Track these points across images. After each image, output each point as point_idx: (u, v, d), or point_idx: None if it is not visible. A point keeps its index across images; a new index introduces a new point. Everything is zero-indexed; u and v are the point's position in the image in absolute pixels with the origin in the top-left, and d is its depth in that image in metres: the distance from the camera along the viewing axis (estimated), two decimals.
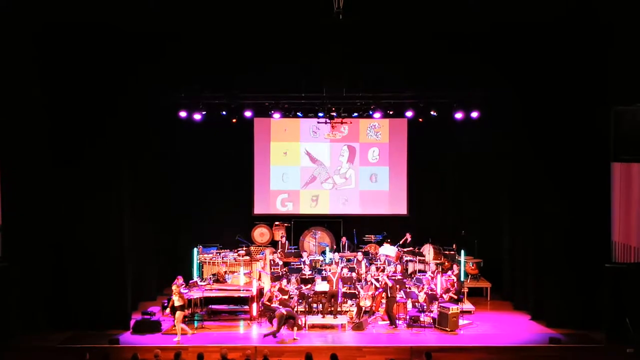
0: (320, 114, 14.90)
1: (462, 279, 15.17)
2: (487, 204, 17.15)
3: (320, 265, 15.85)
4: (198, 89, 14.94)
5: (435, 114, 15.26)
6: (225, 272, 15.93)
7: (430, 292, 14.15)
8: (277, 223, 17.81)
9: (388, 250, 16.38)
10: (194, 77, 14.94)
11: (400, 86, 15.11)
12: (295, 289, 14.44)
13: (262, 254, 16.47)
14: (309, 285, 14.53)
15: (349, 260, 15.90)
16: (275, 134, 18.02)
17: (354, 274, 14.86)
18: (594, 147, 13.32)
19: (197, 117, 15.28)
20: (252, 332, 13.55)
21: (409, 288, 14.47)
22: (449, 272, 14.80)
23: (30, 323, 13.42)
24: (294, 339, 12.82)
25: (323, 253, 16.83)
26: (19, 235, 13.33)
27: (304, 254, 16.11)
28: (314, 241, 17.58)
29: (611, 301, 12.95)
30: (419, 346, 12.32)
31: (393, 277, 14.13)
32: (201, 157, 17.49)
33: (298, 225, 17.99)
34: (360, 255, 15.75)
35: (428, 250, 16.35)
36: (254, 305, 14.00)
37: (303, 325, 13.43)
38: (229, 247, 16.91)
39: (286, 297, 13.85)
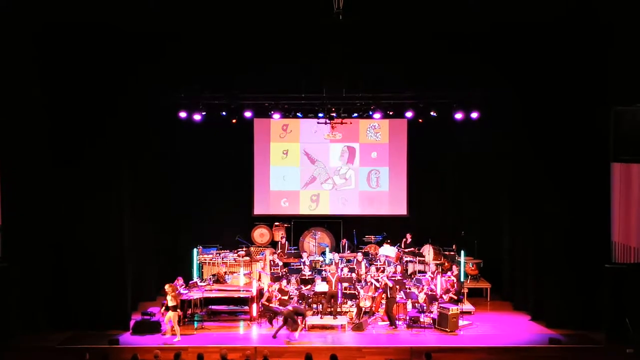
0: (320, 115, 14.89)
1: (461, 279, 15.17)
2: (487, 204, 17.14)
3: (320, 266, 15.84)
4: (198, 89, 14.93)
5: (435, 114, 15.26)
6: (225, 272, 15.94)
7: (430, 293, 14.14)
8: (277, 223, 17.81)
9: (388, 250, 16.38)
10: (194, 77, 14.95)
11: (400, 86, 15.11)
12: (295, 289, 14.44)
13: (262, 254, 16.48)
14: (309, 286, 14.53)
15: (349, 261, 15.90)
16: (275, 134, 18.03)
17: (353, 275, 14.85)
18: (594, 147, 13.32)
19: (197, 117, 15.27)
20: (252, 332, 13.55)
21: (409, 289, 14.46)
22: (449, 273, 14.80)
23: (30, 323, 13.41)
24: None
25: (323, 254, 16.82)
26: (19, 235, 13.33)
27: (304, 255, 16.10)
28: (313, 242, 17.57)
29: (611, 301, 12.94)
30: (418, 347, 12.31)
31: (393, 278, 14.13)
32: (201, 157, 17.48)
33: (298, 226, 17.99)
34: (360, 256, 15.74)
35: (428, 251, 16.35)
36: (254, 306, 13.99)
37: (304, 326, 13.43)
38: (229, 247, 16.91)
39: (286, 297, 13.86)
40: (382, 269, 15.26)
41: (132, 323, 13.59)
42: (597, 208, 13.53)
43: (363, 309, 14.04)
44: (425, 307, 13.87)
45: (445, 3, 13.07)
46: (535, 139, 14.12)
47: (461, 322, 13.60)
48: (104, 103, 13.43)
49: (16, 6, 12.60)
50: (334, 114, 14.85)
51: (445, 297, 14.07)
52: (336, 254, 16.26)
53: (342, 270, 15.02)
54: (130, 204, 14.21)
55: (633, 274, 12.87)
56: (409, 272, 16.03)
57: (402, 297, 14.11)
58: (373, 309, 14.20)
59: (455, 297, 14.06)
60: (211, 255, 16.37)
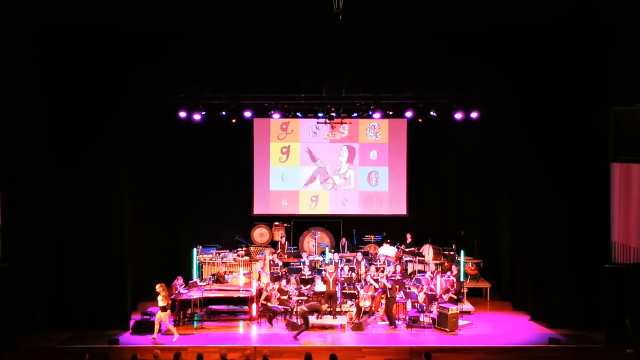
0: (320, 114, 14.88)
1: (461, 279, 15.17)
2: (487, 204, 17.13)
3: (320, 266, 15.85)
4: (198, 89, 14.92)
5: (435, 114, 15.24)
6: (225, 272, 15.93)
7: (429, 293, 14.14)
8: (276, 223, 17.81)
9: (387, 250, 16.38)
10: (194, 77, 14.96)
11: (400, 86, 15.09)
12: (295, 289, 14.45)
13: (262, 254, 16.47)
14: (309, 286, 14.53)
15: (348, 261, 15.91)
16: (275, 134, 18.03)
17: (353, 274, 14.85)
18: (594, 147, 13.32)
19: (197, 117, 15.26)
20: (252, 332, 13.55)
21: (409, 288, 14.46)
22: (448, 273, 14.80)
23: (30, 323, 13.42)
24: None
25: (323, 253, 16.82)
26: (19, 235, 13.34)
27: (304, 255, 16.11)
28: (313, 241, 17.58)
29: (611, 302, 12.94)
30: (418, 347, 12.31)
31: (392, 278, 14.13)
32: (201, 157, 17.48)
33: (298, 226, 17.99)
34: (359, 256, 15.75)
35: (427, 251, 16.35)
36: (254, 306, 13.99)
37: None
38: (229, 247, 16.91)
39: (285, 297, 13.86)
40: (381, 268, 15.26)
41: (132, 323, 13.60)
42: (597, 208, 13.53)
43: (363, 308, 14.04)
44: (424, 307, 13.87)
45: (445, 3, 13.07)
46: (535, 139, 14.12)
47: (461, 322, 13.61)
48: (104, 103, 13.44)
49: (16, 6, 12.60)
50: (334, 114, 14.84)
51: (445, 297, 14.07)
52: (336, 254, 16.27)
53: (342, 269, 15.04)
54: (130, 204, 14.21)
55: (633, 274, 12.86)
56: (408, 272, 16.04)
57: (402, 297, 14.12)
58: (373, 308, 14.21)
59: (455, 297, 14.06)
60: (211, 255, 16.37)
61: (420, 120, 15.85)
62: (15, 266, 13.14)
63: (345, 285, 14.48)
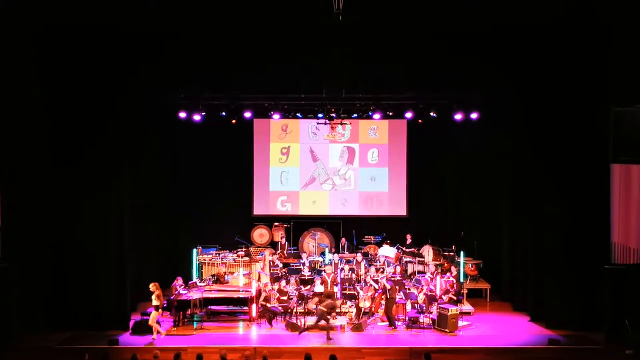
0: (320, 115, 14.89)
1: (461, 280, 15.16)
2: (487, 205, 17.12)
3: (320, 266, 15.85)
4: (198, 90, 14.91)
5: (434, 114, 15.23)
6: (225, 272, 15.92)
7: (429, 293, 14.13)
8: (276, 224, 17.81)
9: (387, 251, 16.37)
10: (194, 77, 14.95)
11: (400, 87, 15.07)
12: (295, 289, 14.44)
13: (262, 254, 16.48)
14: (309, 286, 14.52)
15: (348, 262, 15.90)
16: (275, 134, 18.03)
17: (353, 275, 14.84)
18: (594, 147, 13.32)
19: (197, 117, 15.24)
20: (252, 333, 13.54)
21: (409, 289, 14.45)
22: (448, 274, 14.79)
23: (30, 323, 13.42)
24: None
25: (322, 254, 16.82)
26: (19, 235, 13.34)
27: (304, 255, 16.10)
28: (313, 242, 17.57)
29: (611, 302, 12.94)
30: (418, 347, 12.30)
31: (392, 278, 14.12)
32: (201, 157, 17.48)
33: (297, 226, 17.98)
34: (359, 256, 15.75)
35: (427, 251, 16.34)
36: (253, 306, 13.98)
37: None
38: (229, 247, 16.90)
39: (285, 297, 13.85)
40: (381, 269, 15.25)
41: (131, 323, 13.59)
42: (597, 208, 13.53)
43: (362, 309, 14.04)
44: (424, 308, 13.86)
45: (445, 3, 13.07)
46: (535, 139, 14.12)
47: (460, 323, 13.60)
48: (104, 103, 13.44)
49: (16, 6, 12.61)
50: (334, 115, 14.84)
51: (445, 297, 14.05)
52: (336, 255, 16.26)
53: (342, 270, 15.03)
54: (130, 204, 14.22)
55: (633, 274, 12.87)
56: (408, 273, 16.03)
57: (402, 298, 14.10)
58: (372, 309, 14.20)
59: (455, 298, 14.04)
60: (211, 256, 16.36)
61: (420, 120, 15.83)
62: (15, 266, 13.13)
63: (346, 285, 14.48)
